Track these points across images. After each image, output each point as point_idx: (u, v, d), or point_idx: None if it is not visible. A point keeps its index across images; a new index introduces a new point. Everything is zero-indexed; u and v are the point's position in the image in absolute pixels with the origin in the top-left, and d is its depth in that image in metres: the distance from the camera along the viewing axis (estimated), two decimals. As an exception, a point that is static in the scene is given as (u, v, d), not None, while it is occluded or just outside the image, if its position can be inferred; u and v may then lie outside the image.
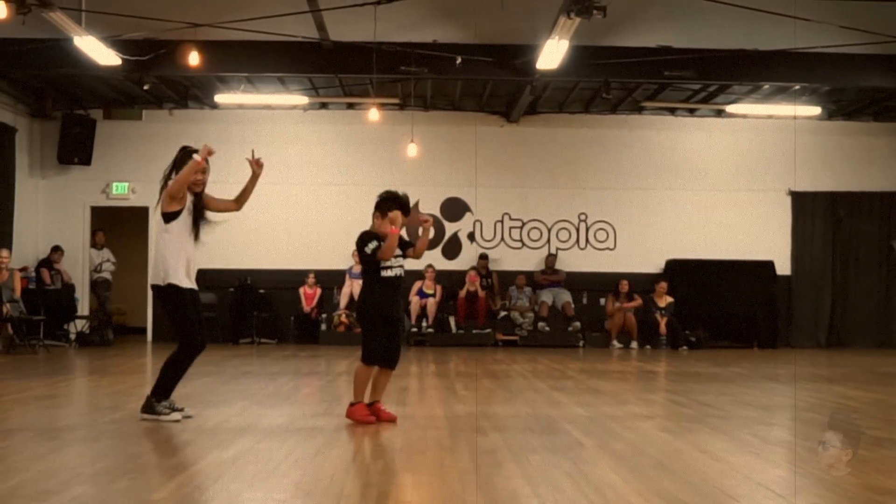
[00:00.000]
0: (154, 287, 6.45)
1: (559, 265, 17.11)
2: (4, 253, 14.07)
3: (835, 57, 13.82)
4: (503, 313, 16.47)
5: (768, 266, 17.14)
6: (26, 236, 16.07)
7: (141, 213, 16.09)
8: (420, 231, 6.63)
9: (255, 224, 16.02)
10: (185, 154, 6.41)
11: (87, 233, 16.80)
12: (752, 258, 17.12)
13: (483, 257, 16.98)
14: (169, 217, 6.36)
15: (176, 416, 6.29)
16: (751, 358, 14.07)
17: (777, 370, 11.90)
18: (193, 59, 12.73)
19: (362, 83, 15.74)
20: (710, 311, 16.58)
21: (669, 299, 16.44)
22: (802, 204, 17.41)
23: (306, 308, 16.52)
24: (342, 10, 11.75)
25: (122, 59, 13.07)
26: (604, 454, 5.21)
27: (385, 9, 11.44)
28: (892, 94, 15.79)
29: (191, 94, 16.39)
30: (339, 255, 16.07)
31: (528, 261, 17.29)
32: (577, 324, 16.28)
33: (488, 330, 16.18)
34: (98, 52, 12.58)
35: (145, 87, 14.83)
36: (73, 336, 15.41)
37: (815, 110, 16.62)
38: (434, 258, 16.60)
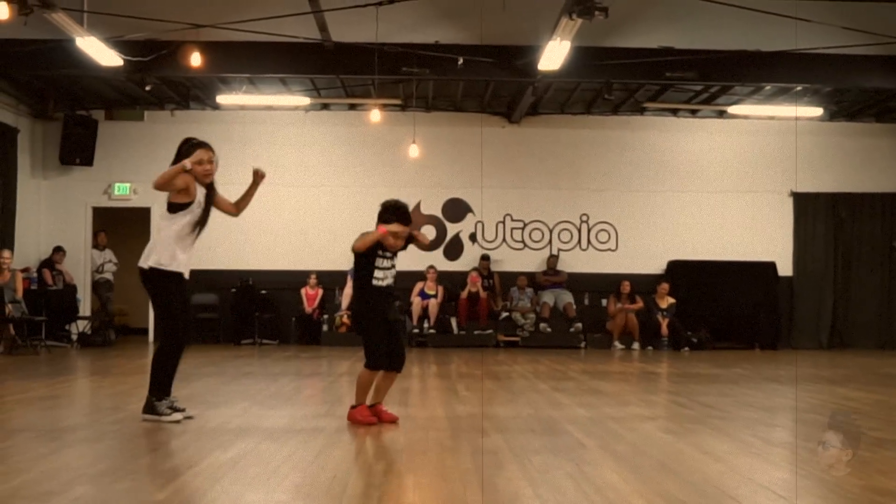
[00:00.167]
0: (140, 270, 6.33)
1: (561, 266, 17.11)
2: (6, 253, 14.09)
3: (836, 58, 13.81)
4: (505, 314, 16.47)
5: (770, 267, 17.14)
6: (28, 237, 16.09)
7: (143, 214, 16.10)
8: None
9: (256, 225, 16.04)
10: (190, 146, 6.37)
11: (88, 233, 16.82)
12: (754, 259, 17.14)
13: (485, 258, 16.98)
14: (175, 208, 6.29)
15: (177, 416, 6.29)
16: (752, 359, 14.06)
17: (779, 371, 11.90)
18: (195, 59, 12.74)
19: (364, 84, 15.74)
20: (712, 312, 16.58)
21: (671, 300, 16.43)
22: (804, 205, 17.41)
23: (308, 309, 16.53)
24: (344, 10, 11.75)
25: (124, 60, 13.06)
26: (605, 455, 5.21)
27: (387, 9, 11.43)
28: (894, 95, 15.79)
29: (192, 94, 16.40)
30: (341, 255, 15.96)
31: (529, 262, 17.30)
32: (579, 325, 16.28)
33: (490, 331, 16.18)
34: (100, 52, 12.59)
35: (147, 88, 14.84)
36: (74, 337, 15.42)
37: (817, 111, 16.62)
38: (436, 259, 16.60)
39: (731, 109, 16.75)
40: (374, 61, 13.20)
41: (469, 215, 17.34)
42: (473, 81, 15.27)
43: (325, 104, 17.01)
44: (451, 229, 17.31)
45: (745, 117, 17.18)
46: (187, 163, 6.20)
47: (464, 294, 16.30)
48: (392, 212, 6.27)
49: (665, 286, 16.56)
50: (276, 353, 14.37)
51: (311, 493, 4.19)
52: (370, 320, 6.28)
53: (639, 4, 13.42)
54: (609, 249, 17.40)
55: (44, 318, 14.03)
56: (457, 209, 17.32)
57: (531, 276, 16.96)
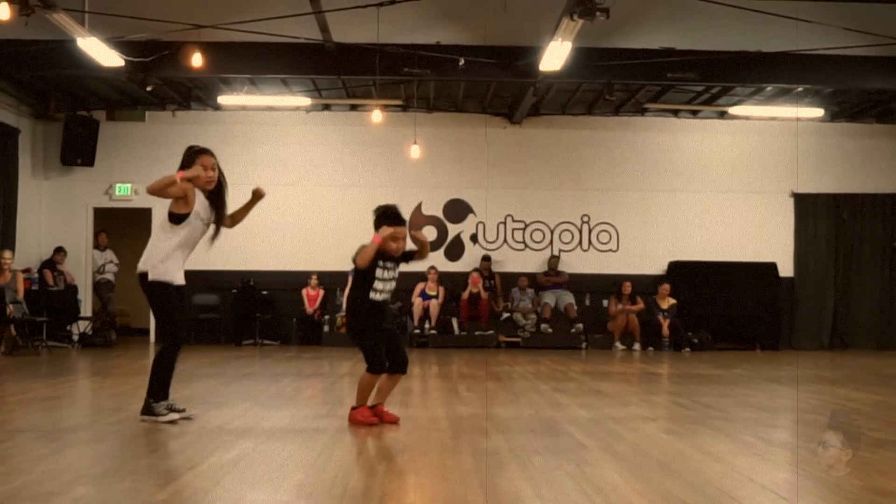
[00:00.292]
0: (140, 275, 6.33)
1: (562, 267, 17.11)
2: (7, 254, 14.09)
3: (837, 59, 13.80)
4: (506, 315, 16.47)
5: (771, 268, 17.14)
6: (29, 237, 16.10)
7: (144, 215, 16.07)
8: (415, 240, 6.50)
9: (257, 225, 15.97)
10: (193, 154, 6.35)
11: (90, 234, 16.83)
12: (755, 260, 17.13)
13: (486, 259, 16.98)
14: (175, 218, 6.27)
15: (173, 416, 6.29)
16: (753, 360, 14.06)
17: (779, 372, 11.90)
18: (196, 60, 12.74)
19: (365, 85, 15.74)
20: (713, 312, 16.58)
21: (672, 301, 16.43)
22: (805, 205, 17.41)
23: (309, 309, 16.54)
24: (345, 11, 11.76)
25: (126, 61, 13.07)
26: (606, 456, 5.21)
27: (388, 10, 11.44)
28: (895, 96, 15.78)
29: (194, 95, 16.41)
30: (342, 256, 15.80)
31: (530, 262, 17.30)
32: (580, 325, 16.28)
33: (491, 331, 16.18)
34: (101, 53, 12.60)
35: (148, 89, 14.84)
36: (75, 337, 15.43)
37: (818, 112, 16.62)
38: (437, 260, 16.59)
39: (732, 110, 16.75)
40: (376, 62, 13.21)
41: (470, 216, 17.34)
42: (475, 82, 15.27)
43: (326, 105, 17.02)
44: (453, 230, 17.31)
45: (747, 118, 17.18)
46: (177, 177, 6.15)
47: (465, 295, 16.30)
48: (383, 217, 6.20)
49: (666, 287, 16.56)
50: (277, 353, 14.37)
51: (312, 493, 4.19)
52: (365, 327, 6.24)
53: (640, 5, 13.42)
54: (610, 250, 17.40)
55: (45, 319, 14.02)
56: (458, 210, 17.32)
57: (532, 277, 16.96)
